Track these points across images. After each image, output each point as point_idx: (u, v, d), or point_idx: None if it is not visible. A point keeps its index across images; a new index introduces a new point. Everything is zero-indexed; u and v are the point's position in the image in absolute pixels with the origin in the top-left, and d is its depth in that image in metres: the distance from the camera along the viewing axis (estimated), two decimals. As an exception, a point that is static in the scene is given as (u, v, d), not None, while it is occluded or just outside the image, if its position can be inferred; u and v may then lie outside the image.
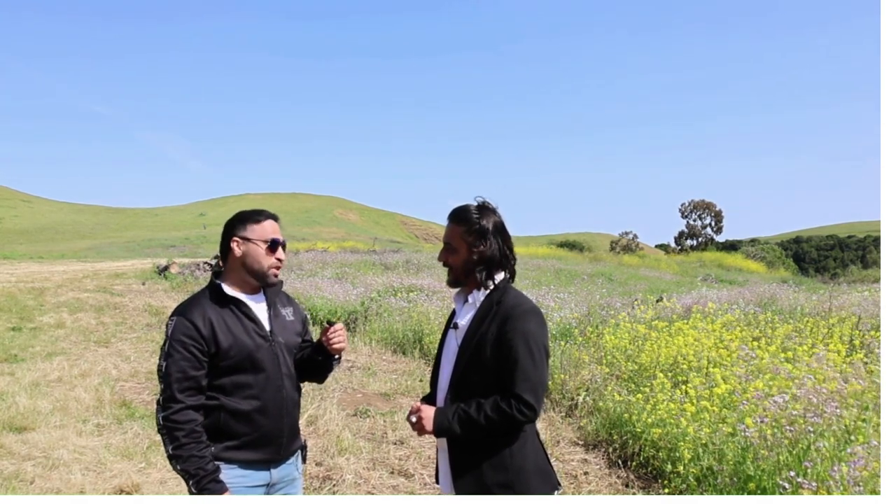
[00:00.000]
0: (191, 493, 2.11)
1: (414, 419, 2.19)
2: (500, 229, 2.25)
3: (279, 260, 2.31)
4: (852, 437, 3.66)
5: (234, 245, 2.27)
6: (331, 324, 2.40)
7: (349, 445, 5.20)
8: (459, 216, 2.24)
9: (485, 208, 2.24)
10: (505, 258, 2.25)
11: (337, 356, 2.45)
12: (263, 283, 2.31)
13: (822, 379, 4.31)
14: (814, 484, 3.24)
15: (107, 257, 41.67)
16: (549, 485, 2.20)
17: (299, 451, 2.44)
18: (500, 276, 2.27)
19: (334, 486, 4.51)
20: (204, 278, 20.14)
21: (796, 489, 3.28)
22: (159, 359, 2.17)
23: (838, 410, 3.71)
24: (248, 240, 2.27)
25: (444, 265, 2.29)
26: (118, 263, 33.16)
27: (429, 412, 2.16)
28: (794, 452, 3.62)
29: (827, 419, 3.65)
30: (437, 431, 2.15)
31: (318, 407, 6.22)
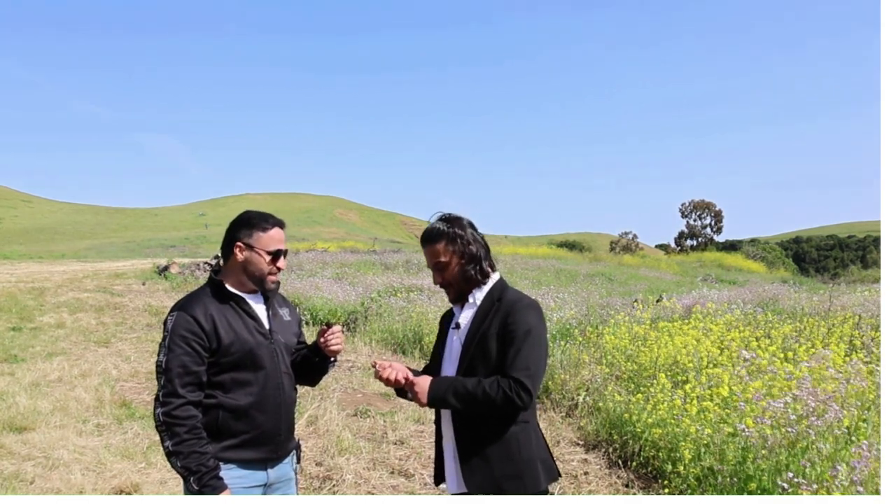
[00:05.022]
0: (190, 491, 2.09)
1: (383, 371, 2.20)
2: (472, 226, 2.32)
3: (279, 268, 2.32)
4: (853, 438, 3.66)
5: (236, 250, 2.28)
6: (329, 325, 2.41)
7: (349, 445, 5.20)
8: (436, 233, 2.28)
9: (450, 217, 2.31)
10: (487, 250, 2.32)
11: (333, 358, 2.46)
12: (261, 289, 2.32)
13: (822, 379, 4.31)
14: (814, 485, 3.24)
15: (107, 257, 41.62)
16: (552, 476, 2.28)
17: (294, 451, 2.44)
18: (495, 275, 2.33)
19: (334, 486, 4.51)
20: (204, 278, 20.11)
21: (795, 490, 3.28)
22: (158, 354, 2.16)
23: (838, 409, 3.70)
24: (252, 248, 2.27)
25: (442, 285, 2.32)
26: (118, 263, 33.13)
27: (423, 384, 2.17)
28: (793, 453, 3.62)
29: (826, 420, 3.64)
30: (431, 401, 2.16)
31: (318, 407, 6.22)
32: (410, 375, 2.21)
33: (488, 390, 2.09)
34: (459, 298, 2.32)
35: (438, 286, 2.33)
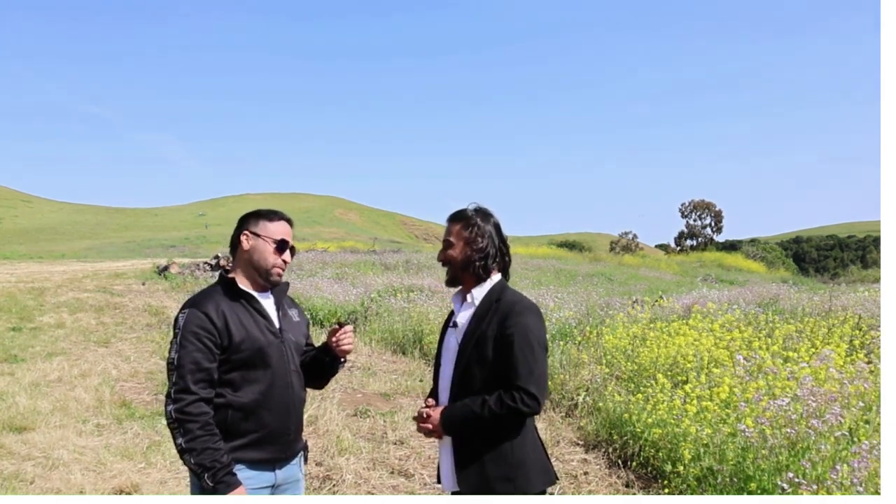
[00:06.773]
0: (203, 488, 2.08)
1: (423, 420, 2.27)
2: (496, 229, 2.35)
3: (284, 261, 2.32)
4: (854, 439, 3.66)
5: (243, 238, 2.29)
6: (340, 325, 2.41)
7: (349, 445, 5.20)
8: (458, 215, 2.36)
9: (481, 210, 2.37)
10: (500, 255, 2.34)
11: (343, 358, 2.46)
12: (266, 281, 2.32)
13: (823, 379, 4.31)
14: (814, 485, 3.24)
15: (107, 257, 41.62)
16: (548, 479, 2.26)
17: (302, 452, 2.44)
18: (496, 276, 2.34)
19: (334, 486, 4.51)
20: (204, 278, 20.12)
21: (795, 489, 3.28)
22: (170, 351, 2.15)
23: (839, 411, 3.70)
24: (258, 235, 2.29)
25: (444, 263, 2.36)
26: (118, 263, 33.10)
27: (436, 416, 2.23)
28: (794, 453, 3.62)
29: (827, 421, 3.64)
30: (447, 431, 2.23)
31: (318, 407, 6.22)
32: (427, 412, 2.28)
33: (494, 408, 2.13)
34: (453, 283, 2.36)
35: (440, 263, 2.37)
